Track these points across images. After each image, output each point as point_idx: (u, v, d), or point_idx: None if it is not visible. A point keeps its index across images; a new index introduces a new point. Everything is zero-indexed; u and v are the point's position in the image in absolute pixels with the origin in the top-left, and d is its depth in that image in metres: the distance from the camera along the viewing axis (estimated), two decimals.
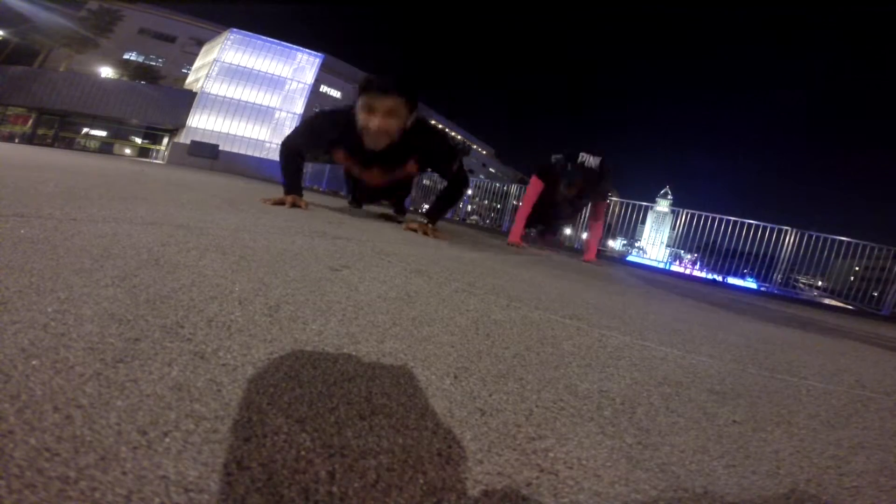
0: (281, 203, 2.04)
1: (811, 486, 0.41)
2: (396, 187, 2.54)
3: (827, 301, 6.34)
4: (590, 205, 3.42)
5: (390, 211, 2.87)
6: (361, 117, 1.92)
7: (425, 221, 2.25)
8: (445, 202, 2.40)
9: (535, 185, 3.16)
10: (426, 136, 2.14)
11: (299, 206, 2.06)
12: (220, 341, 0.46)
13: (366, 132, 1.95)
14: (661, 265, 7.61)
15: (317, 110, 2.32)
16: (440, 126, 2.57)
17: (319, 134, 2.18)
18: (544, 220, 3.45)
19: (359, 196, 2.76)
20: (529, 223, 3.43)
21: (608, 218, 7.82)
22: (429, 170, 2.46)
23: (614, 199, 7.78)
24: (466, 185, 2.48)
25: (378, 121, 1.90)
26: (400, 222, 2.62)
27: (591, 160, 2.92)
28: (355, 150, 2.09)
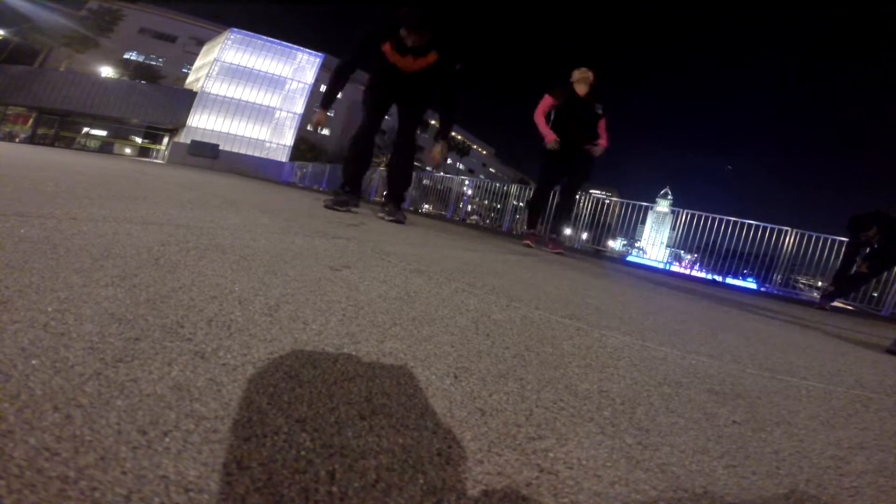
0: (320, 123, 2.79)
1: (811, 486, 0.41)
2: (424, 82, 2.85)
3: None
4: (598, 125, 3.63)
5: (385, 213, 2.85)
6: (401, 31, 2.50)
7: (441, 147, 2.82)
8: (449, 121, 2.88)
9: (545, 102, 3.52)
10: (448, 31, 2.66)
11: (321, 123, 2.77)
12: (220, 341, 0.46)
13: (399, 60, 2.61)
14: (661, 265, 7.60)
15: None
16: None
17: (373, 31, 2.65)
18: (565, 138, 3.57)
19: (387, 85, 2.92)
20: (550, 176, 3.67)
21: (607, 218, 7.94)
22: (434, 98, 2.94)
23: (614, 199, 7.80)
24: (456, 99, 2.98)
25: (412, 41, 2.50)
26: (394, 219, 2.69)
27: (584, 69, 3.48)
28: (397, 41, 2.60)
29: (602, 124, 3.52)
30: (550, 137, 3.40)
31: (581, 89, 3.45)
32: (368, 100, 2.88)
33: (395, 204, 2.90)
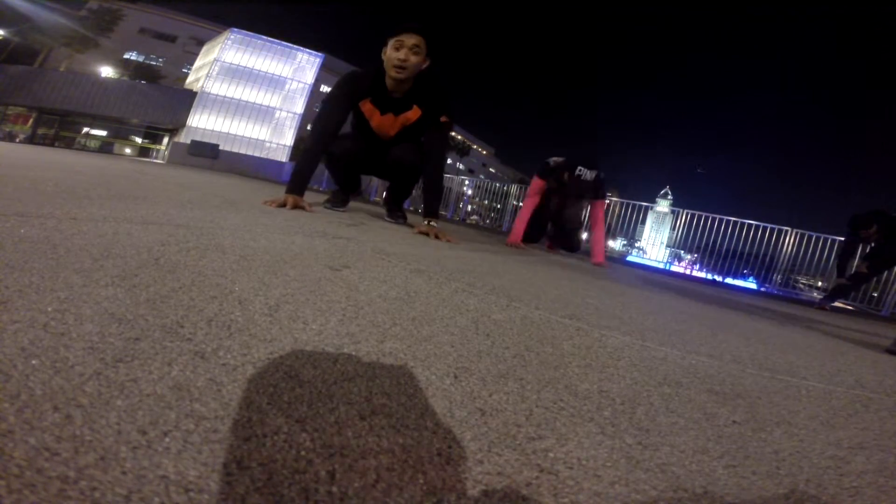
0: (282, 205, 2.05)
1: (811, 486, 0.41)
2: (402, 140, 2.52)
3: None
4: (589, 208, 3.50)
5: (388, 217, 2.76)
6: (389, 53, 2.22)
7: (427, 222, 2.30)
8: (434, 188, 2.46)
9: (537, 184, 3.28)
10: (432, 83, 2.38)
11: (302, 208, 2.09)
12: (220, 341, 0.46)
13: (389, 67, 2.22)
14: (661, 265, 7.60)
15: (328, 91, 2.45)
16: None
17: (350, 89, 2.35)
18: (551, 223, 3.50)
19: (357, 164, 2.60)
20: (533, 232, 3.45)
21: (608, 218, 7.92)
22: (420, 141, 2.56)
23: (614, 199, 7.79)
24: (444, 161, 2.59)
25: (404, 53, 2.19)
26: (399, 223, 2.61)
27: (587, 174, 3.11)
28: (377, 95, 2.34)
29: (598, 212, 3.32)
30: (513, 239, 3.13)
31: (573, 190, 3.22)
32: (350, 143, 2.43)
33: (397, 206, 2.77)
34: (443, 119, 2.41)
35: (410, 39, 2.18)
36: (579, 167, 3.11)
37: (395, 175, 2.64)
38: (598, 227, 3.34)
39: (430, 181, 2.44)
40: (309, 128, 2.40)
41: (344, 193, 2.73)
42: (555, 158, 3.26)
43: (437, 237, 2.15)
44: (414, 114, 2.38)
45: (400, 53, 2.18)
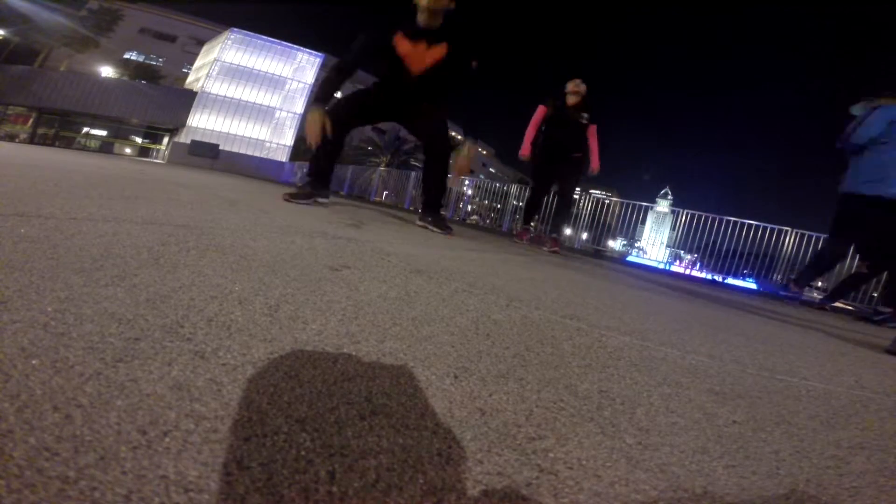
0: (314, 123, 2.22)
1: (811, 486, 0.41)
2: (430, 84, 2.55)
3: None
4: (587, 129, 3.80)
5: (427, 223, 2.64)
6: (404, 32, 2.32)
7: (430, 219, 2.41)
8: (437, 180, 2.58)
9: (539, 112, 3.71)
10: (463, 22, 2.44)
11: (324, 125, 2.22)
12: (220, 341, 0.46)
13: (420, 4, 2.30)
14: (661, 265, 7.60)
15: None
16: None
17: (384, 32, 2.40)
18: (553, 150, 3.74)
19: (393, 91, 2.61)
20: (537, 196, 3.88)
21: (608, 218, 8.05)
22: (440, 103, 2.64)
23: (614, 198, 7.82)
24: (449, 152, 2.65)
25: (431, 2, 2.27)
26: (441, 231, 2.55)
27: (581, 85, 3.64)
28: (409, 30, 2.38)
29: (591, 132, 3.70)
30: (523, 151, 3.72)
31: (571, 100, 3.67)
32: (356, 95, 2.55)
33: (436, 213, 2.69)
34: (473, 63, 2.49)
35: (430, 10, 2.24)
36: (572, 80, 3.63)
37: (427, 149, 2.72)
38: (592, 148, 3.71)
39: (433, 174, 2.55)
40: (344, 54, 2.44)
41: (313, 186, 2.60)
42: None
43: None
44: (443, 49, 2.41)
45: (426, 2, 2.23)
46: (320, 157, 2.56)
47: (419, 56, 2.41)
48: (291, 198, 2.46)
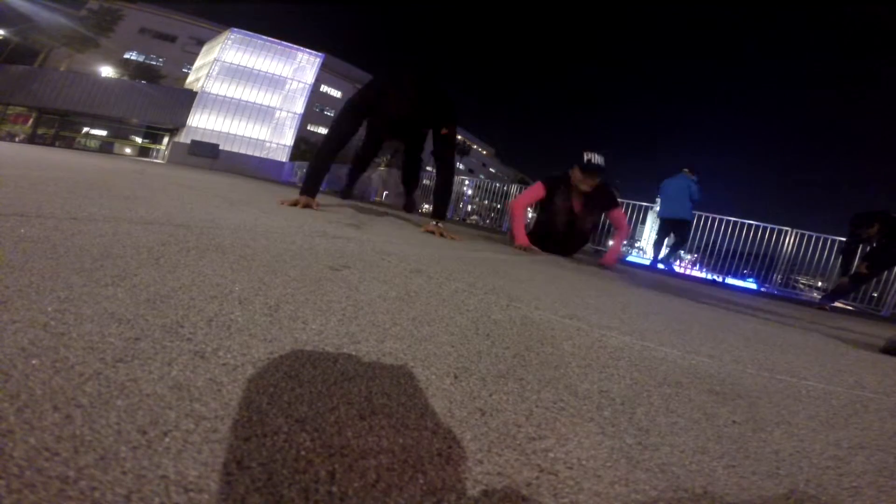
0: (294, 204, 2.24)
1: (811, 486, 0.41)
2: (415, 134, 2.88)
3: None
4: (608, 215, 3.14)
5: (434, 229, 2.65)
6: (390, 98, 2.35)
7: (435, 223, 2.43)
8: (443, 192, 2.59)
9: (536, 189, 3.01)
10: (436, 97, 2.45)
11: (310, 207, 2.26)
12: (220, 341, 0.46)
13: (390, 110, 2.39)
14: (661, 266, 7.59)
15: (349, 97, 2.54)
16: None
17: (366, 101, 2.45)
18: (554, 237, 3.04)
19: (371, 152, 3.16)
20: (538, 239, 3.02)
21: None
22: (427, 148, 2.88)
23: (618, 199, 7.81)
24: (453, 168, 2.65)
25: (400, 107, 2.35)
26: (411, 220, 2.80)
27: (597, 157, 2.78)
28: (385, 116, 2.50)
29: (615, 218, 3.05)
30: (519, 241, 2.79)
31: (586, 185, 2.84)
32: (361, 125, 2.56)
33: (441, 216, 2.65)
34: (443, 131, 2.48)
35: (408, 93, 2.30)
36: (586, 153, 2.76)
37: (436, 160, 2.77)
38: (621, 232, 3.12)
39: (441, 185, 2.56)
40: (326, 135, 2.48)
41: (347, 192, 3.41)
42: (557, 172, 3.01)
43: (441, 235, 2.33)
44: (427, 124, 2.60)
45: (396, 106, 2.34)
46: (356, 170, 3.36)
47: (397, 129, 2.74)
48: (344, 197, 3.14)
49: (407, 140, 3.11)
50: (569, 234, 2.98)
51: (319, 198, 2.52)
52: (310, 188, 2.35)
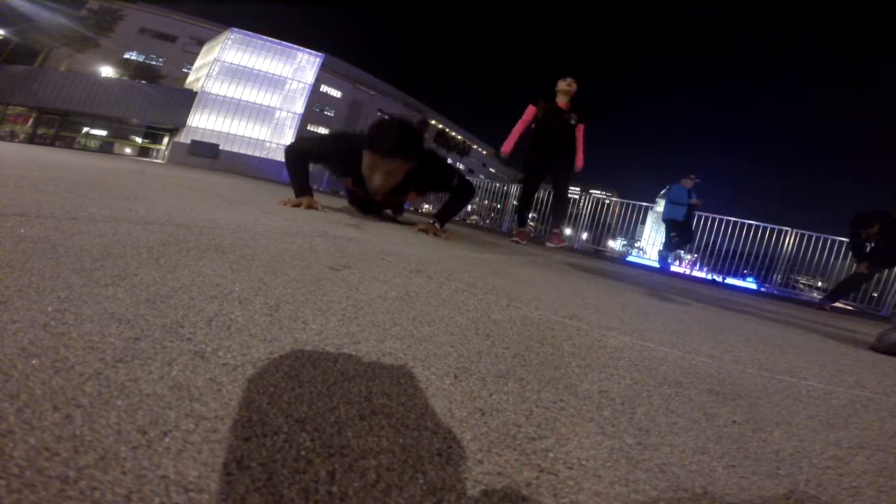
0: (297, 206, 2.19)
1: (811, 486, 0.41)
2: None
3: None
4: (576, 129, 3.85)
5: (389, 211, 2.90)
6: (366, 166, 2.03)
7: (433, 222, 2.37)
8: (452, 207, 2.57)
9: (529, 109, 3.78)
10: (426, 168, 2.23)
11: (314, 208, 2.20)
12: (220, 341, 0.46)
13: (369, 181, 2.09)
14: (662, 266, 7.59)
15: (333, 133, 2.53)
16: (440, 152, 2.59)
17: (333, 155, 2.32)
18: (542, 145, 3.80)
19: (361, 207, 2.72)
20: (535, 139, 3.83)
21: (608, 219, 8.09)
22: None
23: (614, 199, 7.84)
24: (471, 194, 2.59)
25: (380, 179, 2.04)
26: (399, 222, 2.70)
27: (569, 79, 3.68)
28: (362, 181, 2.18)
29: (579, 131, 3.77)
30: (505, 148, 3.82)
31: (562, 100, 3.71)
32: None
33: (441, 222, 2.63)
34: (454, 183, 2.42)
35: (386, 165, 1.98)
36: (563, 79, 3.70)
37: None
38: (579, 146, 3.77)
39: (451, 201, 2.52)
40: (298, 141, 2.41)
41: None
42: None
43: (435, 234, 2.24)
44: (412, 196, 2.43)
45: (376, 178, 2.02)
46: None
47: (379, 198, 2.31)
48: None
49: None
50: (558, 128, 3.72)
51: (318, 197, 2.50)
52: (306, 188, 2.30)
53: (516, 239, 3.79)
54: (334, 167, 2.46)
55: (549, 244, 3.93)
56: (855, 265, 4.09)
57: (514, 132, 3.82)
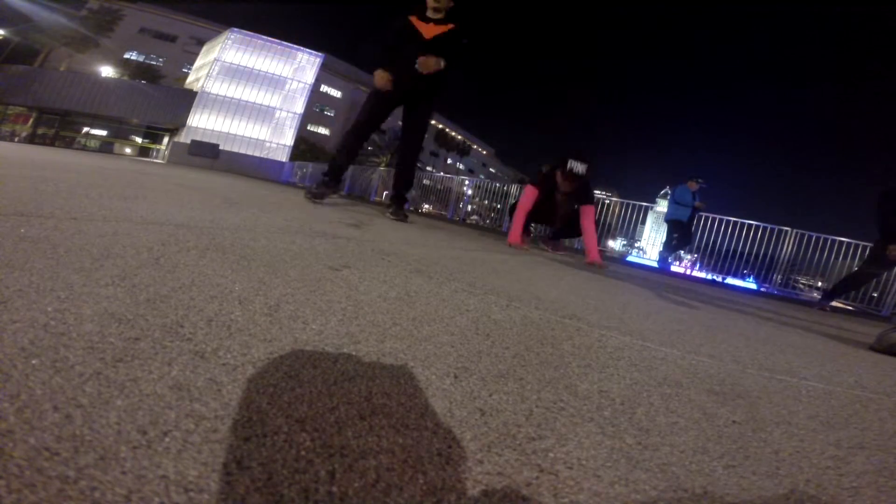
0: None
1: (811, 486, 0.41)
2: (436, 44, 2.93)
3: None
4: (580, 210, 3.48)
5: (389, 213, 2.95)
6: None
7: (391, 210, 2.71)
8: (406, 171, 2.95)
9: (530, 192, 3.40)
10: (467, 7, 2.89)
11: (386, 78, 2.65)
12: (220, 341, 0.46)
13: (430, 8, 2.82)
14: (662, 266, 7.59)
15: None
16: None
17: (397, 23, 2.85)
18: (543, 219, 3.66)
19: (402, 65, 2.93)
20: (530, 221, 3.62)
21: (609, 218, 8.06)
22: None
23: (614, 199, 7.85)
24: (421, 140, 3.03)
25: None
26: (397, 218, 2.78)
27: (578, 167, 3.12)
28: (421, 14, 2.87)
29: (585, 214, 3.32)
30: (512, 239, 3.19)
31: (565, 187, 3.20)
32: (373, 97, 2.86)
33: (398, 204, 3.00)
34: (464, 41, 2.87)
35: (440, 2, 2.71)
36: (570, 161, 3.11)
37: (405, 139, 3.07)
38: (589, 229, 3.34)
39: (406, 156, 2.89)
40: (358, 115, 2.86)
41: (328, 184, 2.97)
42: (546, 165, 3.38)
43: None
44: (450, 25, 2.87)
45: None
46: (341, 156, 2.97)
47: (430, 30, 2.86)
48: (314, 197, 2.85)
49: (416, 99, 2.96)
50: (557, 214, 3.51)
51: (337, 204, 2.58)
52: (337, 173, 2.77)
53: (518, 244, 3.62)
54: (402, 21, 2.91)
55: (542, 247, 3.84)
56: (864, 261, 4.05)
57: (517, 221, 3.33)
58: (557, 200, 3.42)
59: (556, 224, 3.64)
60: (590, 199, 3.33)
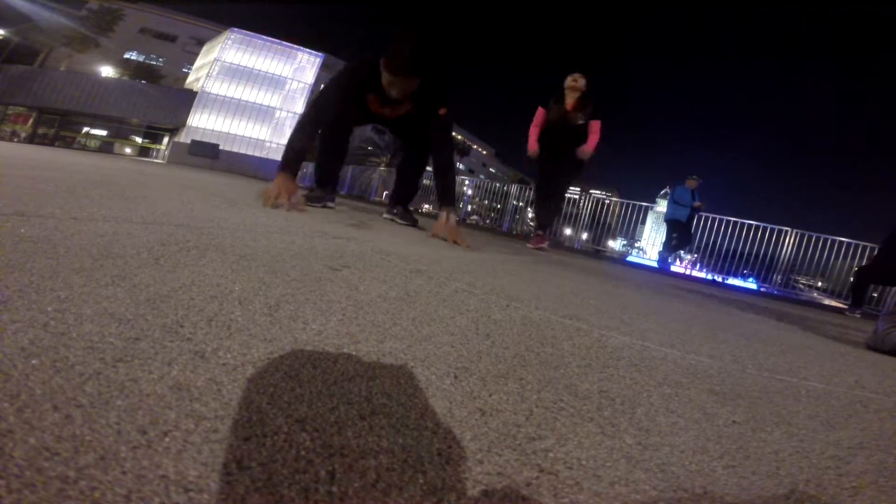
0: (277, 197, 1.89)
1: (811, 486, 0.41)
2: (402, 124, 2.63)
3: (827, 301, 6.33)
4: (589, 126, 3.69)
5: (393, 215, 2.83)
6: (384, 81, 2.15)
7: (445, 214, 2.17)
8: (446, 174, 2.34)
9: (540, 112, 3.71)
10: (435, 78, 2.29)
11: (297, 209, 1.92)
12: (220, 341, 0.46)
13: (387, 90, 2.20)
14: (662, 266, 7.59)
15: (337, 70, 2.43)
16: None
17: (357, 83, 2.30)
18: (553, 151, 3.71)
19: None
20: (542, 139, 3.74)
21: (608, 218, 8.06)
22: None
23: (614, 199, 7.86)
24: (452, 144, 2.57)
25: (396, 92, 2.16)
26: (407, 223, 2.64)
27: (581, 80, 3.56)
28: (379, 90, 2.27)
29: (593, 129, 3.57)
30: (531, 147, 3.68)
31: (570, 100, 3.54)
32: (340, 94, 2.35)
33: (405, 207, 2.85)
34: (441, 111, 2.35)
35: (403, 84, 2.10)
36: (570, 75, 3.53)
37: (407, 140, 2.75)
38: (592, 136, 3.57)
39: (441, 162, 2.33)
40: (307, 106, 2.35)
41: (321, 188, 2.68)
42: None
43: (455, 242, 2.01)
44: (408, 106, 2.40)
45: (393, 91, 2.13)
46: (324, 162, 2.67)
47: (388, 112, 2.44)
48: (309, 202, 2.43)
49: (403, 134, 2.77)
50: (565, 130, 3.61)
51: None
52: (287, 164, 2.02)
53: (532, 245, 3.60)
54: (357, 89, 2.33)
55: (529, 245, 3.66)
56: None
57: (532, 132, 3.69)
58: (564, 121, 3.57)
59: (567, 148, 3.66)
60: (598, 114, 3.56)
